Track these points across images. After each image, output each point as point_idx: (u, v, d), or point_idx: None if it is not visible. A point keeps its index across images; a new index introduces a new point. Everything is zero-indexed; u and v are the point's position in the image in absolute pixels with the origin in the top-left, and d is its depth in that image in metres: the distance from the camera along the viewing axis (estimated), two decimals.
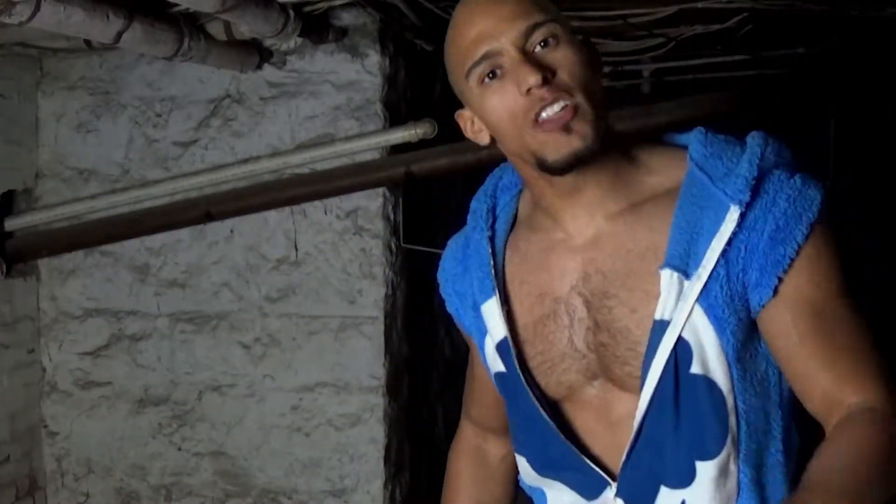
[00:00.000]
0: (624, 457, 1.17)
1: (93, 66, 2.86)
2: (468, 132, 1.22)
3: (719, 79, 3.62)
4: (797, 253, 1.09)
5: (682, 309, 1.10)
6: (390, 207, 2.77)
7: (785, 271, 1.09)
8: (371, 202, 2.72)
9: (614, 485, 1.19)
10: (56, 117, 2.90)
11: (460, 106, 1.23)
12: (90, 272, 2.91)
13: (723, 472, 1.14)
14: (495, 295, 1.23)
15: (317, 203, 2.74)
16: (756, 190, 1.10)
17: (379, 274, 2.73)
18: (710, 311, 1.10)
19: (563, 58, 1.10)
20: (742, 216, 1.09)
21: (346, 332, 2.75)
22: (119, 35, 2.03)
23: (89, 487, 2.95)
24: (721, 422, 1.12)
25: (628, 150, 1.19)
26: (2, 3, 1.68)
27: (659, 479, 1.16)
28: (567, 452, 1.21)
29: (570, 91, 1.09)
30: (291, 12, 2.40)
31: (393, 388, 2.79)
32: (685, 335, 1.10)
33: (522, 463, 1.31)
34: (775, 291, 1.10)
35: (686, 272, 1.10)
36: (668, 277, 1.10)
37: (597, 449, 1.22)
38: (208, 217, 2.77)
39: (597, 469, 1.20)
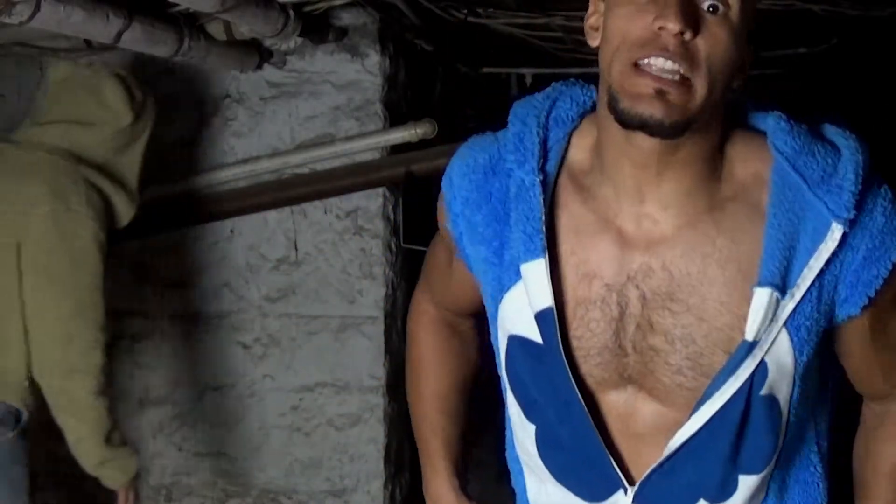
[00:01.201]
0: (656, 464, 1.08)
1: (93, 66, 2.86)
2: (587, 24, 1.07)
3: None
4: (890, 271, 1.03)
5: (771, 330, 1.02)
6: (390, 207, 2.77)
7: (877, 291, 1.04)
8: (371, 202, 2.72)
9: (630, 490, 1.10)
10: None
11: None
12: None
13: (763, 483, 1.12)
14: (544, 258, 1.05)
15: (317, 203, 2.74)
16: (858, 204, 1.01)
17: (379, 274, 2.73)
18: (795, 333, 1.03)
19: (718, 32, 0.96)
20: (844, 235, 1.01)
21: (346, 332, 2.75)
22: (119, 35, 2.03)
23: None
24: (775, 439, 1.09)
25: (720, 141, 1.06)
26: (2, 3, 1.68)
27: (698, 493, 1.10)
28: (590, 443, 1.09)
29: (694, 64, 0.95)
30: (291, 12, 2.40)
31: (393, 388, 2.78)
32: (766, 357, 1.03)
33: (523, 433, 1.18)
34: (862, 310, 1.05)
35: (783, 291, 1.01)
36: (766, 296, 1.00)
37: (612, 451, 1.11)
38: (209, 217, 2.77)
39: (616, 469, 1.10)
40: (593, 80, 1.12)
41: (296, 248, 2.78)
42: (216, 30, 2.45)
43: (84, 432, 2.02)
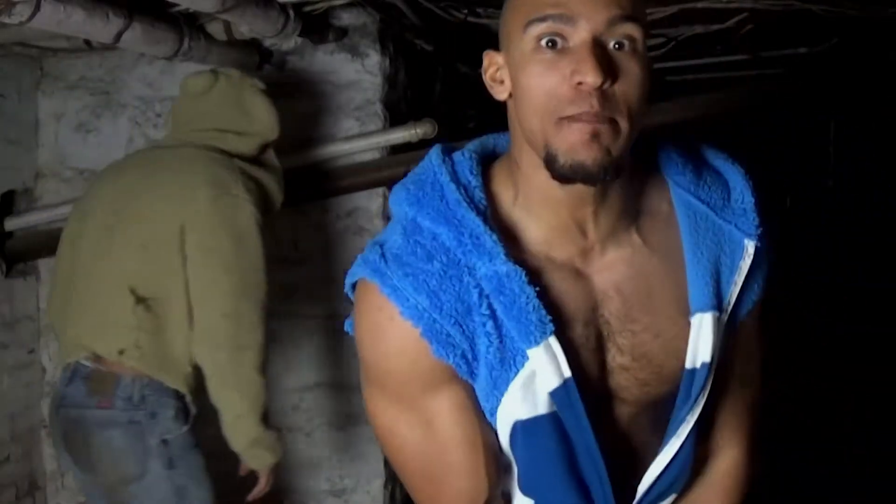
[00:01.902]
0: (650, 483, 1.14)
1: (93, 66, 2.86)
2: (487, 76, 1.08)
3: (719, 79, 3.62)
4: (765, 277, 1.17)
5: (716, 345, 1.10)
6: (390, 207, 2.76)
7: (760, 297, 1.17)
8: (371, 202, 2.72)
9: None
10: (56, 117, 2.90)
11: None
12: None
13: None
14: (553, 336, 1.03)
15: (317, 203, 2.74)
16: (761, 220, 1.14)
17: None
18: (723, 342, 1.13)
19: (630, 69, 0.99)
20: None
21: (346, 332, 2.75)
22: (119, 35, 2.03)
23: None
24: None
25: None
26: (2, 3, 1.68)
27: (672, 491, 1.18)
28: (601, 490, 1.11)
29: (616, 111, 0.98)
30: (291, 12, 2.41)
31: None
32: None
33: None
34: (747, 313, 1.16)
35: (720, 310, 1.10)
36: (709, 320, 1.08)
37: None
38: None
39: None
40: None
41: (296, 248, 2.78)
42: (216, 30, 2.45)
43: (245, 408, 2.06)
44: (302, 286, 2.77)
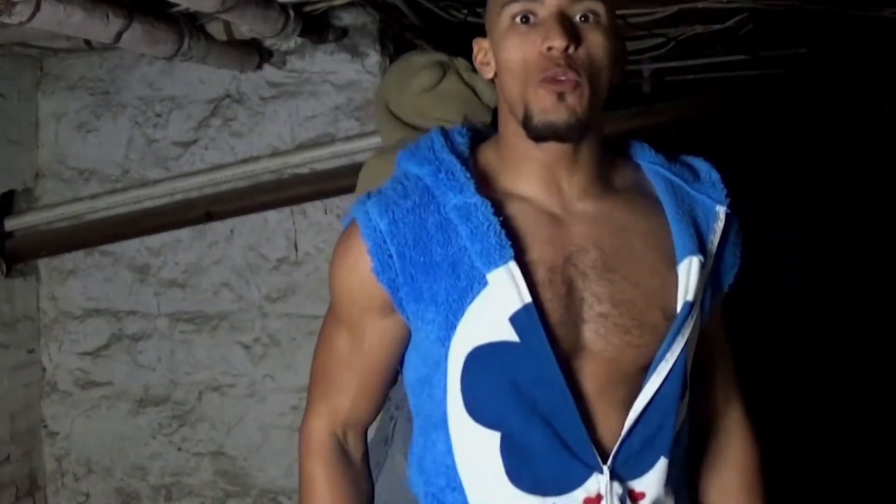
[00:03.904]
0: (625, 432, 1.17)
1: (93, 66, 2.86)
2: (477, 61, 1.26)
3: (719, 79, 3.62)
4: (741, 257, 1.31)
5: (702, 291, 1.22)
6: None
7: (734, 277, 1.30)
8: None
9: (605, 468, 1.16)
10: (56, 117, 2.90)
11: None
12: (90, 272, 2.91)
13: (681, 439, 1.26)
14: (513, 260, 1.14)
15: (317, 203, 2.75)
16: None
17: None
18: (706, 297, 1.26)
19: (593, 38, 1.15)
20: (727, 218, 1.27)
21: None
22: (119, 35, 2.03)
23: (89, 487, 2.95)
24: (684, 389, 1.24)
25: (602, 149, 1.26)
26: (2, 3, 1.68)
27: (659, 451, 1.20)
28: (571, 427, 1.16)
29: (581, 70, 1.13)
30: (291, 12, 2.40)
31: None
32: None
33: (479, 450, 1.19)
34: (728, 288, 1.31)
35: (703, 257, 1.21)
36: (696, 263, 1.20)
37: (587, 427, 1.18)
38: (208, 217, 2.77)
39: (594, 449, 1.16)
40: None
41: (296, 248, 2.78)
42: (216, 30, 2.45)
43: None
44: (302, 286, 2.77)
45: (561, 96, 1.12)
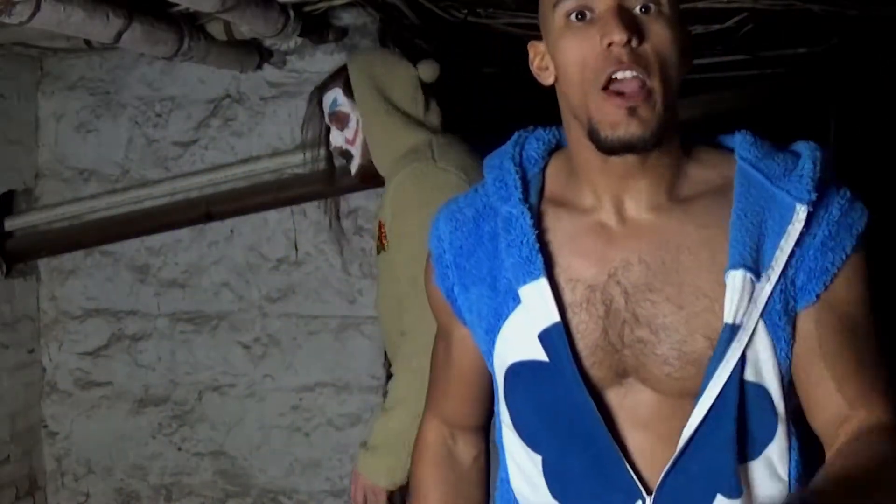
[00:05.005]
0: (670, 464, 1.08)
1: (93, 66, 2.86)
2: (534, 67, 1.16)
3: (719, 79, 3.62)
4: (843, 263, 1.08)
5: (752, 313, 1.05)
6: None
7: (831, 280, 1.07)
8: (371, 202, 2.71)
9: (648, 498, 1.09)
10: (56, 117, 2.90)
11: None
12: (90, 272, 2.91)
13: (772, 477, 1.11)
14: (543, 276, 1.09)
15: (317, 203, 2.74)
16: (818, 195, 1.07)
17: None
18: (769, 317, 1.06)
19: (658, 30, 1.04)
20: (808, 216, 1.06)
21: (346, 332, 2.75)
22: (119, 35, 2.03)
23: (89, 487, 2.95)
24: (768, 428, 1.09)
25: (684, 142, 1.15)
26: (2, 3, 1.68)
27: (714, 488, 1.09)
28: (604, 452, 1.10)
29: (648, 68, 1.03)
30: (291, 12, 2.40)
31: None
32: (749, 341, 1.05)
33: (527, 469, 1.18)
34: (817, 297, 1.08)
35: (757, 273, 1.05)
36: (739, 278, 1.04)
37: (625, 456, 1.11)
38: (208, 217, 2.77)
39: (632, 475, 1.09)
40: None
41: (296, 248, 2.78)
42: (216, 30, 2.45)
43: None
44: (302, 286, 2.77)
45: (632, 111, 1.03)
